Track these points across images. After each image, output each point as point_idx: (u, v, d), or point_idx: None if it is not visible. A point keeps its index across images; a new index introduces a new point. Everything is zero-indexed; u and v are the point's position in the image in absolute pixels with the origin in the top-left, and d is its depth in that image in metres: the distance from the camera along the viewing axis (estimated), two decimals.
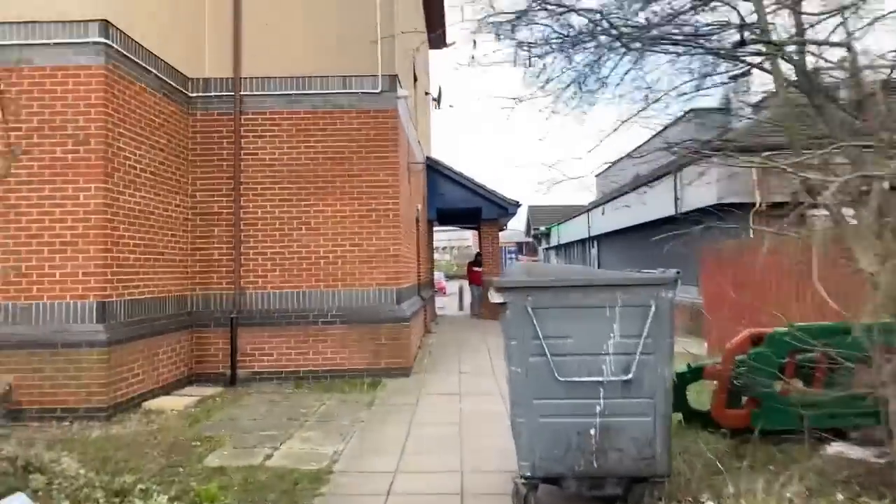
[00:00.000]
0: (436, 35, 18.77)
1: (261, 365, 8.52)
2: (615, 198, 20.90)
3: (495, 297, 3.99)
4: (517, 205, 16.58)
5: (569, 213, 31.92)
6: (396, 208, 8.77)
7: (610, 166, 29.19)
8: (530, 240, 43.82)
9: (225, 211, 8.73)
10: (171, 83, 8.13)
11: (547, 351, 3.64)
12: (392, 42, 8.80)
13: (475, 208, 16.75)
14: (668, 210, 15.32)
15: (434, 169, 16.25)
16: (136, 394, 6.99)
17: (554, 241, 34.05)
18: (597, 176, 34.47)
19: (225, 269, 8.69)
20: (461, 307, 23.87)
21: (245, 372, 8.51)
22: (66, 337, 6.45)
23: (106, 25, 6.72)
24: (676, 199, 14.58)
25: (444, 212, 17.05)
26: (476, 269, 18.40)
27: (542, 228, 35.77)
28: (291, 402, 7.15)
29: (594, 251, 25.76)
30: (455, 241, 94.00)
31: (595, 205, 23.97)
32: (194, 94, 8.75)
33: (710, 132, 17.48)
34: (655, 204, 16.55)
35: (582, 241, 27.76)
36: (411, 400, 7.12)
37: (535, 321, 3.65)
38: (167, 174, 8.07)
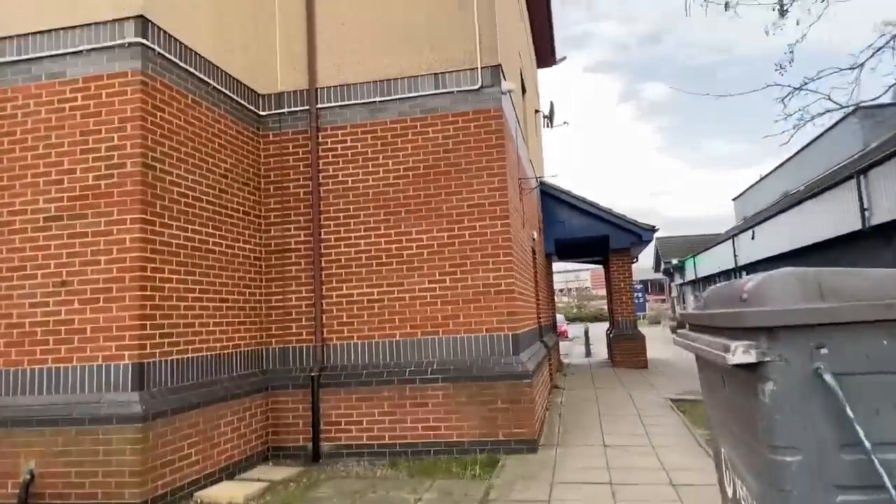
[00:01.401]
0: (543, 52, 17.13)
1: (348, 436, 6.80)
2: (767, 218, 17.72)
3: (705, 347, 1.96)
4: (653, 230, 14.11)
5: (704, 243, 28.46)
6: (506, 232, 6.88)
7: (750, 187, 25.66)
8: (660, 276, 40.06)
9: (303, 247, 7.27)
10: (235, 97, 6.88)
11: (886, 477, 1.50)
12: (493, 27, 7.09)
13: (601, 237, 14.48)
14: (847, 224, 12.20)
15: (549, 194, 14.29)
16: (187, 480, 5.46)
17: (689, 276, 30.47)
18: (734, 199, 30.98)
19: (304, 316, 7.17)
20: (588, 353, 21.28)
21: (329, 445, 6.82)
22: (95, 410, 5.08)
23: (143, 23, 5.54)
24: (863, 209, 11.50)
25: (563, 243, 14.92)
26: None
27: (675, 261, 32.27)
28: (379, 493, 5.29)
29: None
30: (572, 281, 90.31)
31: (742, 228, 20.71)
32: (265, 113, 7.49)
33: (885, 130, 14.11)
34: (826, 219, 13.43)
35: (725, 273, 24.25)
36: (541, 495, 5.02)
37: (844, 404, 1.54)
38: (232, 205, 6.74)
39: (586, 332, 22.95)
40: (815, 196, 14.24)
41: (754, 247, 19.20)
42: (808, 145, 20.89)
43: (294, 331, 7.17)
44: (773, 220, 17.58)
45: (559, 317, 41.60)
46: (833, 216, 13.08)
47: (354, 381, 6.86)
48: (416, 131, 7.18)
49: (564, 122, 13.94)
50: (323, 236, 7.24)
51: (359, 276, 7.11)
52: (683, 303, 34.64)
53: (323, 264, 7.20)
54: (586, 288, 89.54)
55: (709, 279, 27.42)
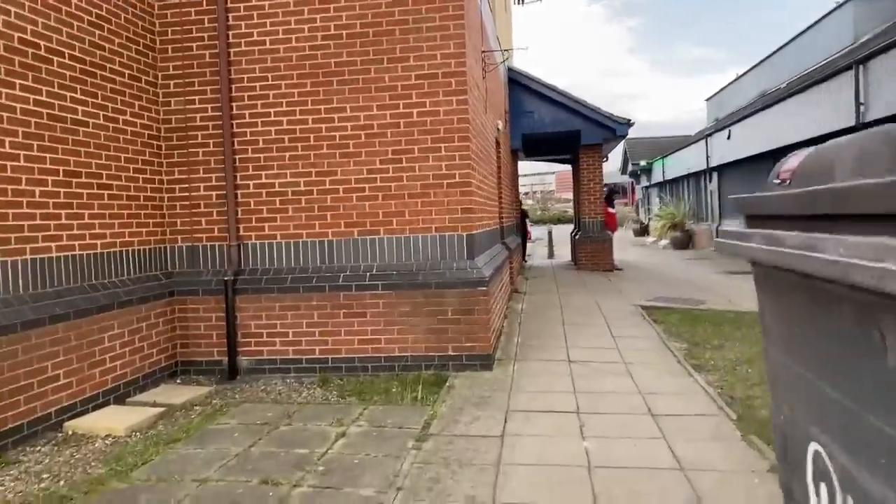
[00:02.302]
0: None
1: (272, 350, 5.77)
2: (745, 117, 16.65)
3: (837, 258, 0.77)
4: (628, 123, 12.90)
5: (674, 145, 27.45)
6: (464, 111, 5.60)
7: (725, 87, 24.40)
8: (626, 178, 39.28)
9: (211, 124, 5.88)
10: None
11: None
12: None
13: (572, 132, 13.25)
14: (842, 120, 11.19)
15: (518, 83, 12.85)
16: (54, 408, 4.39)
17: (657, 178, 29.68)
18: (707, 100, 29.74)
19: (216, 209, 5.91)
20: (551, 254, 20.63)
21: (249, 360, 5.80)
22: None
23: None
24: (859, 103, 10.45)
25: (531, 138, 13.66)
26: (611, 209, 14.89)
27: (643, 163, 31.35)
28: (294, 426, 4.32)
29: (712, 185, 21.51)
30: (537, 184, 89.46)
31: (717, 128, 19.65)
32: None
33: (880, 21, 12.78)
34: (813, 116, 12.40)
35: (696, 175, 23.45)
36: (493, 428, 4.10)
37: None
38: (113, 66, 5.26)
39: (550, 234, 22.23)
40: (801, 91, 13.14)
41: (729, 147, 18.25)
42: (789, 42, 19.56)
43: (204, 227, 5.92)
44: (751, 118, 16.52)
45: (527, 218, 41.05)
46: (822, 112, 12.05)
47: (278, 288, 5.74)
48: None
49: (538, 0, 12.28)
50: (235, 111, 5.84)
51: (281, 161, 5.81)
52: (648, 205, 34.14)
53: (236, 146, 5.86)
54: (551, 191, 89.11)
55: (677, 181, 26.68)
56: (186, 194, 5.92)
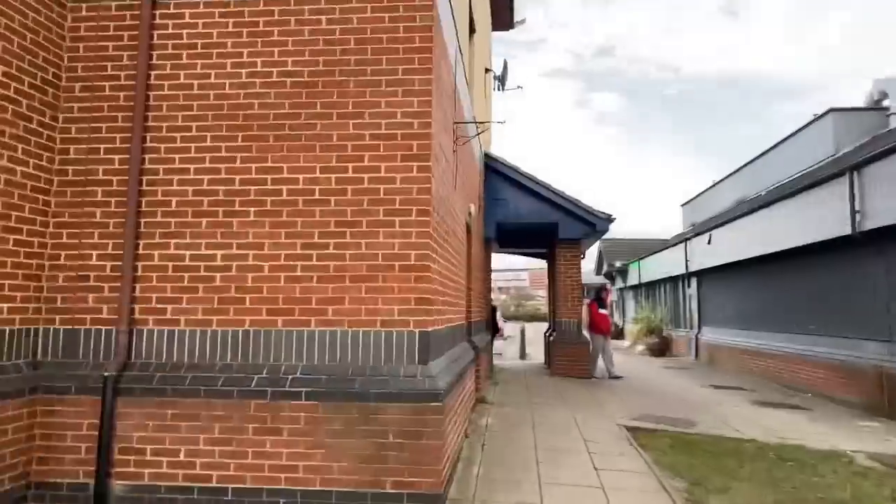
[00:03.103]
0: (501, 12, 14.96)
1: (155, 473, 4.38)
2: (728, 221, 16.16)
3: None
4: (608, 219, 12.14)
5: (650, 248, 27.08)
6: (425, 180, 4.60)
7: (701, 193, 24.30)
8: (601, 279, 38.80)
9: (116, 179, 4.78)
10: None
11: None
12: None
13: (549, 224, 12.43)
14: (835, 228, 10.54)
15: (494, 170, 12.14)
16: None
17: (633, 281, 29.09)
18: (683, 205, 29.81)
19: (108, 284, 4.68)
20: (522, 355, 19.39)
21: (123, 487, 4.38)
22: None
23: None
24: (854, 211, 9.82)
25: (506, 228, 12.80)
26: (603, 311, 13.55)
27: (619, 265, 30.86)
28: None
29: (691, 290, 20.80)
30: (511, 280, 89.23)
31: (697, 232, 19.17)
32: None
33: (860, 135, 12.56)
34: (803, 223, 11.80)
35: (674, 280, 22.81)
36: None
37: None
38: (3, 103, 4.20)
39: (522, 332, 21.09)
40: (788, 197, 12.63)
41: (710, 252, 17.68)
42: (767, 151, 19.62)
43: (90, 305, 4.67)
44: (734, 223, 16.02)
45: (497, 313, 39.95)
46: (812, 219, 11.45)
47: (172, 389, 4.43)
48: (302, 19, 4.79)
49: (518, 87, 11.82)
50: (147, 165, 4.76)
51: (196, 229, 4.68)
52: (623, 308, 33.41)
53: (143, 207, 4.73)
54: (524, 287, 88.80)
55: (654, 285, 26.05)
56: (74, 263, 4.70)
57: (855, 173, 9.89)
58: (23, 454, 4.35)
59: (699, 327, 19.94)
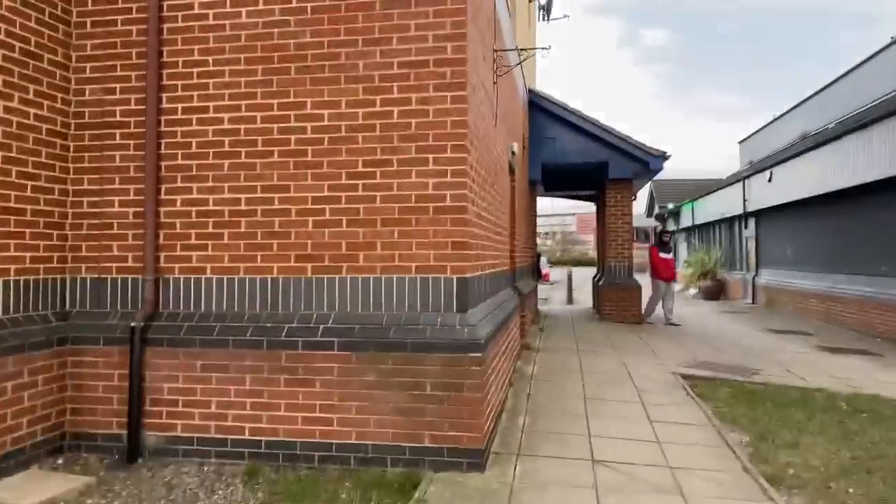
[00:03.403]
0: None
1: (187, 425, 4.25)
2: (797, 155, 15.06)
3: None
4: (663, 157, 11.39)
5: (702, 189, 25.84)
6: (461, 112, 4.15)
7: (761, 129, 22.84)
8: (652, 222, 37.62)
9: (133, 120, 4.51)
10: None
11: None
12: None
13: (598, 163, 11.79)
14: None
15: (538, 107, 11.49)
16: None
17: (685, 223, 27.99)
18: (741, 143, 28.21)
19: (132, 231, 4.48)
20: (570, 300, 19.00)
21: (156, 437, 4.28)
22: None
23: None
24: None
25: (552, 169, 12.22)
26: (664, 255, 12.53)
27: (671, 206, 29.70)
28: None
29: (748, 232, 19.80)
30: (557, 225, 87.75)
31: (756, 169, 18.06)
32: None
33: None
34: (884, 155, 10.78)
35: (729, 221, 21.77)
36: None
37: None
38: (9, 41, 3.94)
39: (569, 277, 20.64)
40: (861, 129, 11.57)
41: (770, 190, 16.63)
42: (832, 83, 18.10)
43: (115, 253, 4.49)
44: (798, 158, 14.93)
45: (542, 259, 39.40)
46: (889, 152, 10.45)
47: (201, 340, 4.25)
48: None
49: (564, 15, 11.14)
50: (165, 105, 4.47)
51: (218, 172, 4.39)
52: (675, 251, 32.40)
53: (163, 150, 4.46)
54: (571, 232, 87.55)
55: (707, 227, 24.98)
56: (96, 210, 4.51)
57: None
58: (55, 405, 4.29)
59: (757, 270, 19.05)
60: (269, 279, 4.30)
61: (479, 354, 3.96)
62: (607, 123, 11.58)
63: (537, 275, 13.17)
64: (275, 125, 4.33)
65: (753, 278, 19.11)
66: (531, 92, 11.43)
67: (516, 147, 8.25)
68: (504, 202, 6.98)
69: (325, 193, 4.26)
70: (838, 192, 12.62)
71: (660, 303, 12.34)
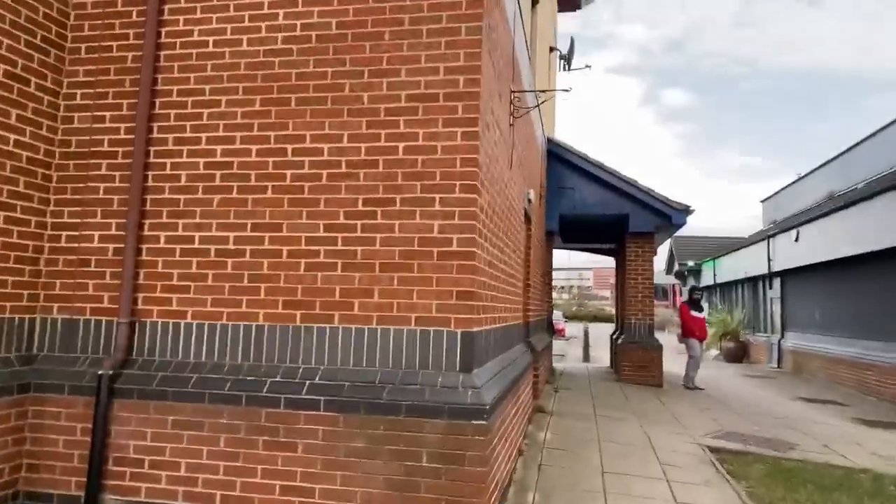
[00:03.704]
0: None
1: (153, 490, 3.77)
2: (825, 214, 14.55)
3: None
4: (686, 210, 10.96)
5: (724, 247, 25.25)
6: (472, 149, 3.79)
7: (784, 188, 22.39)
8: (671, 279, 36.88)
9: (121, 150, 4.21)
10: None
11: None
12: None
13: (618, 216, 11.38)
14: None
15: (557, 156, 11.20)
16: None
17: (707, 281, 27.28)
18: (763, 202, 27.73)
19: (110, 269, 4.11)
20: (586, 357, 18.32)
21: (118, 502, 3.79)
22: None
23: None
24: None
25: (570, 220, 11.83)
26: (696, 313, 11.93)
27: (691, 264, 29.06)
28: None
29: (773, 292, 19.10)
30: (574, 279, 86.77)
31: (782, 228, 17.52)
32: None
33: None
34: None
35: (753, 280, 21.10)
36: None
37: None
38: None
39: (586, 333, 20.00)
40: (894, 188, 11.09)
41: (797, 250, 16.05)
42: (857, 144, 17.70)
43: (91, 293, 4.12)
44: (827, 218, 14.41)
45: (557, 314, 38.58)
46: None
47: (174, 392, 3.81)
48: None
49: (586, 66, 10.76)
50: (156, 135, 4.17)
51: (207, 207, 4.04)
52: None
53: (150, 182, 4.14)
54: (588, 287, 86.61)
55: (729, 286, 24.27)
56: (74, 245, 4.17)
57: None
58: (10, 459, 3.84)
59: (782, 332, 18.27)
60: (253, 327, 3.89)
61: (485, 422, 3.47)
62: (629, 175, 11.24)
63: (551, 330, 12.60)
64: (270, 159, 4.00)
65: (779, 341, 18.30)
66: (550, 141, 11.16)
67: (533, 195, 7.89)
68: (518, 251, 6.57)
69: (321, 234, 3.87)
70: (870, 254, 12.04)
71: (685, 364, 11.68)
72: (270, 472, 3.63)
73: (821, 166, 20.63)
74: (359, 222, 3.84)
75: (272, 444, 3.65)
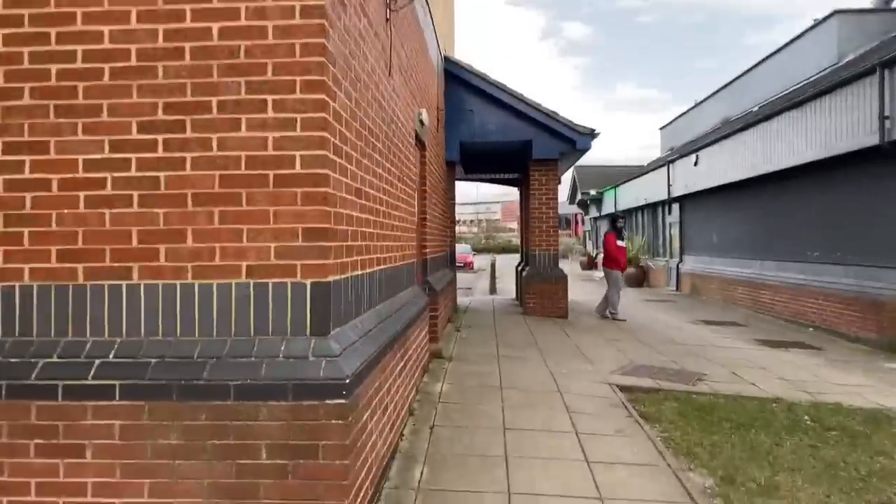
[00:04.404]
0: None
1: None
2: (723, 137, 14.51)
3: None
4: (591, 134, 10.34)
5: (626, 174, 25.49)
6: (316, 32, 2.73)
7: (682, 115, 22.44)
8: (574, 209, 37.39)
9: None
10: None
11: None
12: None
13: (521, 143, 10.65)
14: (856, 140, 8.98)
15: (456, 77, 10.20)
16: None
17: (608, 209, 27.62)
18: (661, 129, 28.10)
19: None
20: (493, 289, 18.00)
21: None
22: None
23: None
24: (883, 117, 8.21)
25: (472, 149, 10.99)
26: (620, 243, 11.48)
27: (594, 193, 29.31)
28: None
29: (672, 217, 19.39)
30: (482, 213, 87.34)
31: (683, 153, 17.53)
32: None
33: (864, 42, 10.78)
34: (817, 136, 10.19)
35: (652, 207, 21.37)
36: None
37: None
38: None
39: (493, 265, 19.65)
40: (794, 108, 10.96)
41: (696, 174, 16.10)
42: (753, 68, 17.81)
43: None
44: (725, 141, 14.37)
45: (466, 247, 38.38)
46: (825, 131, 9.84)
47: None
48: None
49: None
50: None
51: None
52: (597, 238, 32.19)
53: None
54: (496, 220, 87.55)
55: (630, 213, 24.61)
56: None
57: (886, 71, 8.21)
58: None
59: (681, 256, 18.66)
60: (15, 289, 2.76)
61: (344, 400, 2.60)
62: (532, 98, 10.43)
63: (453, 264, 11.90)
64: (25, 49, 2.78)
65: (678, 265, 18.71)
66: (448, 60, 10.10)
67: (425, 116, 6.90)
68: (409, 180, 5.63)
69: (106, 154, 2.75)
70: (767, 176, 12.06)
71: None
72: (49, 487, 2.62)
73: (714, 93, 20.81)
74: (160, 137, 2.74)
75: (49, 449, 2.62)
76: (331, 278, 2.79)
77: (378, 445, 3.33)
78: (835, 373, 6.94)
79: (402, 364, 4.27)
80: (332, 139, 2.85)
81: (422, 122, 6.76)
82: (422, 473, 3.61)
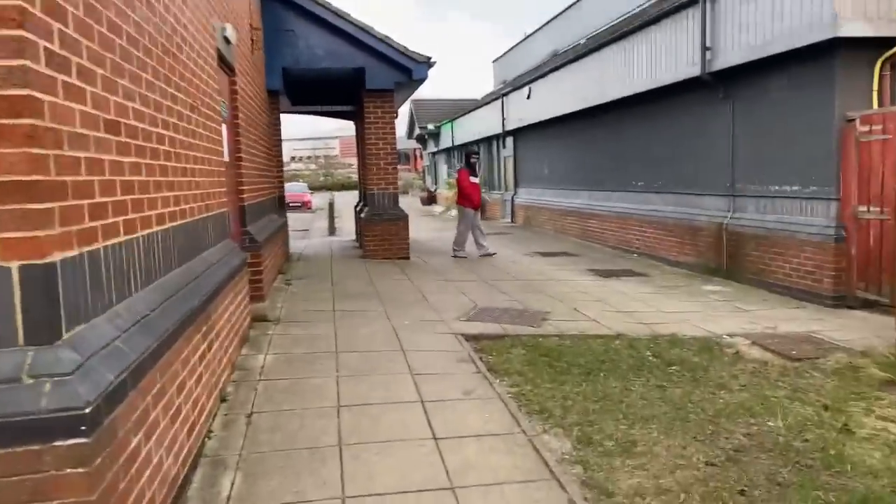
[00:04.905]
0: None
1: None
2: (551, 71, 14.55)
3: None
4: (428, 63, 9.63)
5: (464, 108, 25.30)
6: None
7: (513, 48, 22.43)
8: (413, 144, 36.88)
9: None
10: None
11: None
12: None
13: (353, 70, 9.66)
14: (679, 71, 9.20)
15: None
16: None
17: (446, 143, 27.45)
18: (494, 62, 28.12)
19: None
20: (332, 230, 17.14)
21: None
22: None
23: None
24: (705, 48, 8.42)
25: (298, 76, 9.81)
26: (474, 179, 10.99)
27: (431, 127, 28.89)
28: None
29: (506, 151, 19.58)
30: (320, 149, 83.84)
31: (516, 86, 17.47)
32: None
33: None
34: (640, 68, 10.40)
35: (488, 140, 21.43)
36: None
37: None
38: None
39: (331, 205, 18.67)
40: (618, 40, 11.09)
41: (528, 108, 16.16)
42: (575, 3, 18.06)
43: None
44: (552, 75, 14.46)
45: (301, 185, 36.46)
46: (649, 63, 10.03)
47: None
48: None
49: None
50: None
51: None
52: (436, 172, 32.13)
53: None
54: (335, 156, 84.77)
55: (467, 146, 24.61)
56: None
57: (708, 2, 8.37)
58: None
59: (515, 189, 19.01)
60: None
61: (85, 439, 1.75)
62: (364, 21, 9.42)
63: (283, 208, 10.81)
64: None
65: (512, 197, 19.06)
66: None
67: (232, 33, 5.72)
68: (209, 111, 4.56)
69: None
70: (597, 108, 12.27)
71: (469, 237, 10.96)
72: None
73: (544, 25, 20.95)
74: None
75: None
76: (57, 257, 1.87)
77: (166, 465, 2.52)
78: (664, 300, 7.19)
79: (205, 345, 3.41)
80: (44, 43, 1.86)
81: (227, 40, 5.60)
82: (232, 484, 2.87)
